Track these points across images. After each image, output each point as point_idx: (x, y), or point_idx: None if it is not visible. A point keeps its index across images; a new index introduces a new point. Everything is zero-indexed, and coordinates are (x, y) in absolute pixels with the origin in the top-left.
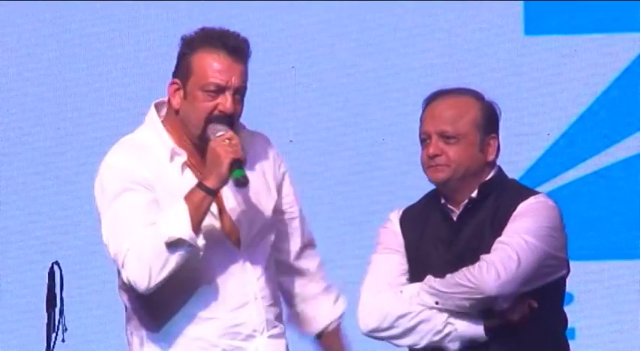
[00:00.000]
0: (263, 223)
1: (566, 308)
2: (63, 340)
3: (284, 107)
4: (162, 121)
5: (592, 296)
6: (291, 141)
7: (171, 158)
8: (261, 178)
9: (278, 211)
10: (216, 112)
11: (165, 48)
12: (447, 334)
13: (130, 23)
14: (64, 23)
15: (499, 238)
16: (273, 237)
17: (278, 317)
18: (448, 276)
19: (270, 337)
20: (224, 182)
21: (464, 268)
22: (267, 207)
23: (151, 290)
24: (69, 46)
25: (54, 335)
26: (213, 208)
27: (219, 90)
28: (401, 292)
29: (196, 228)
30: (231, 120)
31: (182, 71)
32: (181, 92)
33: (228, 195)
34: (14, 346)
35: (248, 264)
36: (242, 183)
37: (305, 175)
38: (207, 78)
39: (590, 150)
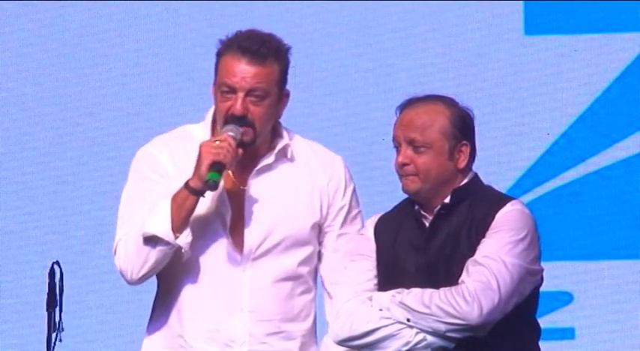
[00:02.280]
0: (286, 237)
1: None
2: (60, 340)
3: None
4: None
5: (592, 296)
6: None
7: None
8: (304, 193)
9: (322, 232)
10: (229, 114)
11: (165, 48)
12: (417, 343)
13: (130, 23)
14: (64, 23)
15: (477, 257)
16: (307, 253)
17: (276, 335)
18: (423, 294)
19: None
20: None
21: (444, 290)
22: (300, 222)
23: (135, 283)
24: (68, 46)
25: (54, 335)
26: (226, 210)
27: (232, 91)
28: (370, 299)
29: (178, 226)
30: (245, 121)
31: (214, 72)
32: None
33: (250, 202)
34: (14, 346)
35: (248, 274)
36: (210, 187)
37: None
38: (221, 79)
39: (590, 150)
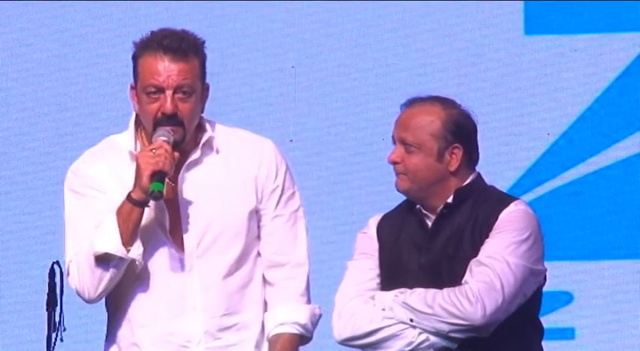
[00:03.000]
0: (224, 229)
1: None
2: (62, 340)
3: (284, 107)
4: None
5: (591, 296)
6: (291, 141)
7: (132, 160)
8: (236, 182)
9: (259, 218)
10: (159, 114)
11: None
12: (420, 343)
13: (129, 23)
14: (63, 23)
15: (481, 257)
16: (249, 241)
17: (230, 328)
18: (427, 294)
19: (209, 349)
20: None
21: (447, 290)
22: (236, 212)
23: (94, 301)
24: (67, 45)
25: (54, 335)
26: (162, 213)
27: (159, 91)
28: (372, 299)
29: (128, 240)
30: (176, 120)
31: (134, 76)
32: (136, 96)
33: (184, 201)
34: (14, 346)
35: (196, 273)
36: (155, 197)
37: (305, 174)
38: (146, 80)
39: (590, 150)
